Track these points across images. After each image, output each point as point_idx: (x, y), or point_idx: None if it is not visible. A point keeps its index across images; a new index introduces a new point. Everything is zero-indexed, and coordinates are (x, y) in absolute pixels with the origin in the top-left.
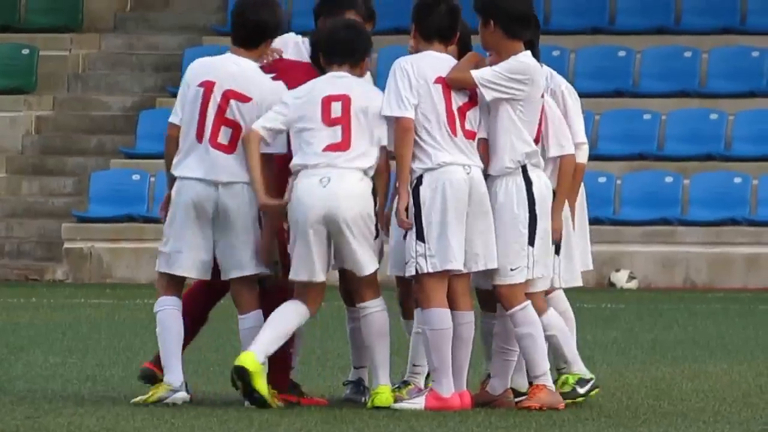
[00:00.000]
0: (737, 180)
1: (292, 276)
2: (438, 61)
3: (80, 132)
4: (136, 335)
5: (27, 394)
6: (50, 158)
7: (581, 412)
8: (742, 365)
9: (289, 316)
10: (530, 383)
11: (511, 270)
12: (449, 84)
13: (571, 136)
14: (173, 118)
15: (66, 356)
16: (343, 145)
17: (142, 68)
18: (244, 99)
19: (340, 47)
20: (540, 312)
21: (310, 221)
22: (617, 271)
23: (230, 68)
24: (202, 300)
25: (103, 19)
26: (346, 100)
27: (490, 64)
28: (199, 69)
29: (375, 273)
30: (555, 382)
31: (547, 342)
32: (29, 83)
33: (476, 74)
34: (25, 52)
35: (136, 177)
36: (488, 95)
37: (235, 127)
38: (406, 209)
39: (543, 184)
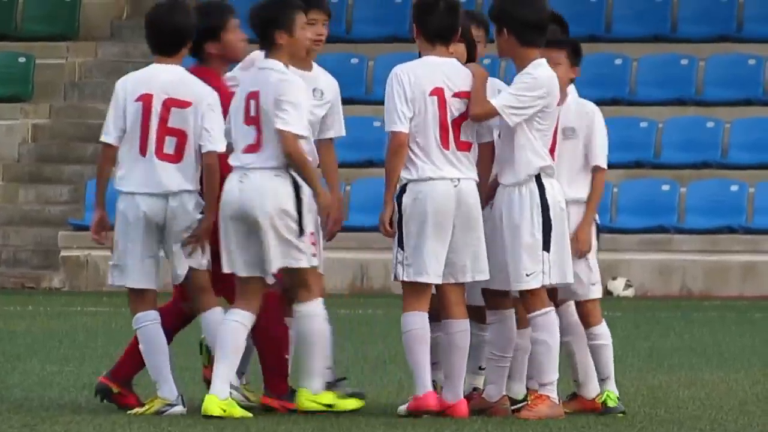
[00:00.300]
0: (734, 188)
1: (225, 269)
2: (436, 70)
3: (77, 140)
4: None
5: (24, 402)
6: (47, 166)
7: (578, 420)
8: (738, 373)
9: (233, 333)
10: (528, 389)
11: (527, 275)
12: (475, 121)
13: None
14: (108, 138)
15: (63, 364)
16: (257, 146)
17: None
18: (184, 105)
19: (258, 30)
20: (596, 321)
21: (229, 216)
22: (614, 279)
23: (163, 77)
24: (172, 321)
25: (100, 27)
26: (257, 98)
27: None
28: (133, 84)
29: (307, 274)
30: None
31: (594, 350)
32: (26, 91)
33: (498, 103)
34: (22, 60)
35: None
36: (512, 121)
37: (179, 135)
38: (391, 219)
39: (556, 190)
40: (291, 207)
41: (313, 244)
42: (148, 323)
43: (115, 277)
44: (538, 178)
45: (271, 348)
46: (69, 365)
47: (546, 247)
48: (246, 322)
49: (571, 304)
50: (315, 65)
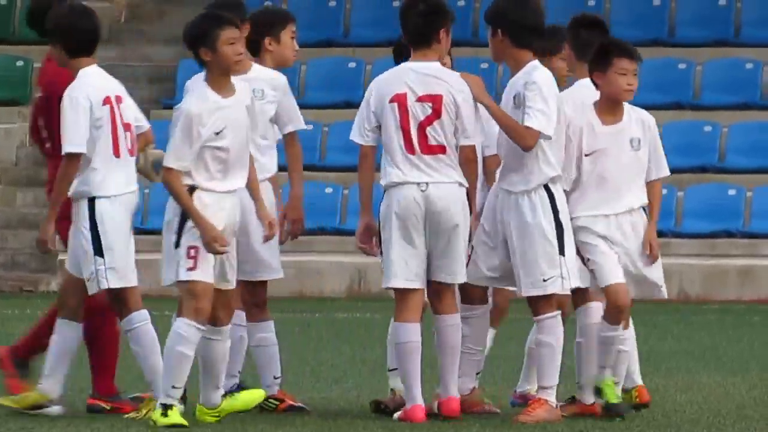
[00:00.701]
0: (731, 192)
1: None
2: (402, 76)
3: None
4: (129, 345)
5: None
6: (45, 170)
7: (576, 423)
8: (736, 377)
9: (203, 345)
10: (524, 394)
11: (544, 280)
12: (529, 150)
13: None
14: (81, 148)
15: None
16: None
17: (137, 80)
18: (121, 99)
19: (189, 48)
20: (625, 324)
21: None
22: None
23: (101, 78)
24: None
25: None
26: None
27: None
28: (94, 90)
29: (181, 289)
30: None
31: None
32: (24, 95)
33: (536, 125)
34: (20, 64)
35: None
36: (551, 134)
37: (130, 128)
38: (368, 233)
39: (562, 197)
40: (174, 219)
41: (192, 258)
42: (141, 324)
43: (113, 279)
44: (546, 185)
45: (100, 349)
46: None
47: (562, 251)
48: (194, 335)
49: (590, 306)
50: (255, 65)
